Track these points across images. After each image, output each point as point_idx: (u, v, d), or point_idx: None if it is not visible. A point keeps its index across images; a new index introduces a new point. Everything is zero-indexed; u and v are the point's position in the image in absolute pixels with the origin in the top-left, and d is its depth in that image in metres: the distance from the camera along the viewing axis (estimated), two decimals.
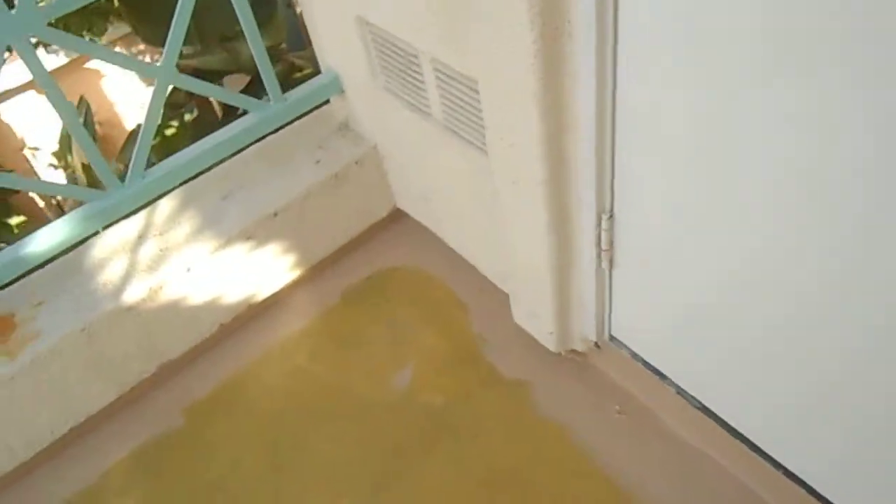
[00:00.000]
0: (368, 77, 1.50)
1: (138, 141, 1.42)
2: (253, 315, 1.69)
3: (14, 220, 3.24)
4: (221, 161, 1.61)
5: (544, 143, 1.06)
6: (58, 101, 1.29)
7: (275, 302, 1.71)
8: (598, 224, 1.17)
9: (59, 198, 5.71)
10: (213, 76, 3.22)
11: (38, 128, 5.56)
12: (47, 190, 1.41)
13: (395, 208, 1.81)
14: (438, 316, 1.64)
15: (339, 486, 1.41)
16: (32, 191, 1.42)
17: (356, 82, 1.58)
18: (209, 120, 3.97)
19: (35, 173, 5.46)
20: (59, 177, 5.32)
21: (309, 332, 1.66)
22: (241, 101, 1.51)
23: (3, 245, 3.00)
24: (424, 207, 1.72)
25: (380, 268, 1.75)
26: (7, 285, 1.49)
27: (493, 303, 1.60)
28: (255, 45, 1.44)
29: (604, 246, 1.19)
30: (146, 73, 1.34)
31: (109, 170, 1.42)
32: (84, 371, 1.50)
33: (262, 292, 1.68)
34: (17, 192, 3.84)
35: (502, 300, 1.57)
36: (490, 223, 1.42)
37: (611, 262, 1.23)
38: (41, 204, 5.74)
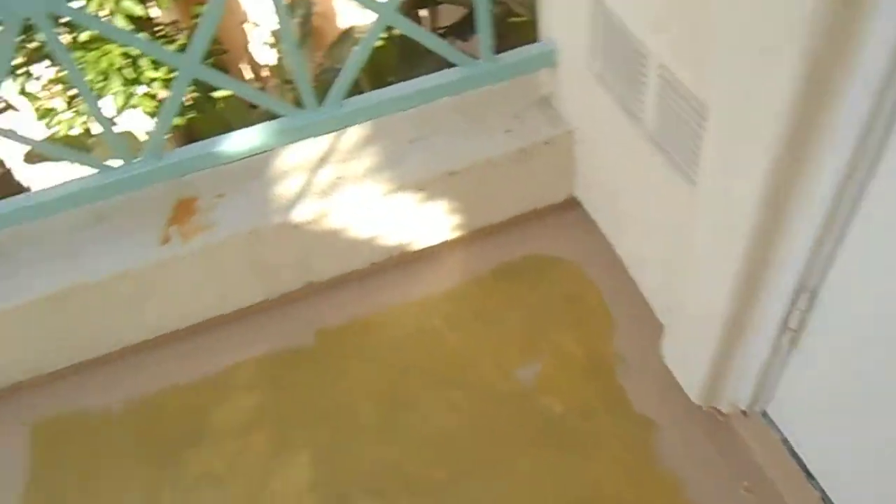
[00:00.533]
0: (586, 60, 1.40)
1: (344, 71, 1.42)
2: (404, 262, 1.70)
3: (219, 94, 3.48)
4: None
5: (765, 201, 0.93)
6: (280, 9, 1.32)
7: (428, 255, 1.71)
8: (794, 301, 1.03)
9: (265, 73, 6.08)
10: (431, 3, 3.21)
11: (262, 3, 5.85)
12: (250, 96, 1.46)
13: (572, 197, 1.73)
14: (583, 321, 1.57)
15: (437, 455, 1.41)
16: (235, 92, 1.47)
17: (572, 62, 1.48)
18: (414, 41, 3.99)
19: (248, 51, 5.81)
20: (272, 56, 5.65)
21: (452, 295, 1.65)
22: (452, 55, 1.47)
23: (204, 117, 3.25)
24: (604, 206, 1.62)
25: (539, 253, 1.68)
26: None
27: (644, 328, 1.50)
28: (481, 8, 1.38)
29: (792, 325, 1.05)
30: (369, 7, 1.32)
31: (311, 91, 1.44)
32: (242, 268, 1.59)
33: (419, 243, 1.68)
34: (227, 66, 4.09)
35: (654, 329, 1.46)
36: (671, 250, 1.31)
37: (793, 342, 1.09)
38: (248, 75, 6.14)
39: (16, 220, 1.49)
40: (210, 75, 1.40)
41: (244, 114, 3.50)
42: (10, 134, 1.41)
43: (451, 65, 1.53)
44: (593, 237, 1.67)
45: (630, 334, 1.52)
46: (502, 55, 1.52)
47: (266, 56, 6.04)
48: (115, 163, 1.48)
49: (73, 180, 1.52)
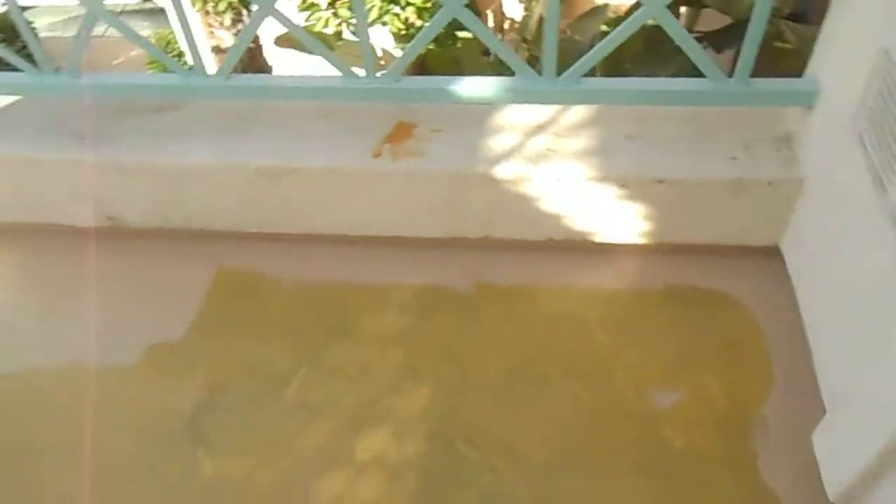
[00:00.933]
0: (850, 114, 1.29)
1: (594, 50, 1.42)
2: (581, 249, 1.70)
3: (461, 34, 3.60)
4: None
5: None
6: None
7: (606, 251, 1.69)
8: None
9: (506, 26, 6.17)
10: (696, 4, 3.06)
11: None
12: (499, 51, 1.50)
13: (775, 245, 1.62)
14: (740, 372, 1.49)
15: (543, 438, 1.42)
16: (487, 42, 1.51)
17: (832, 110, 1.38)
18: (664, 35, 3.84)
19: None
20: (518, 11, 5.71)
21: (615, 296, 1.64)
22: (706, 66, 1.41)
23: (440, 52, 3.37)
24: (806, 267, 1.51)
25: (718, 289, 1.61)
26: None
27: (803, 403, 1.40)
28: (755, 24, 1.31)
29: None
30: None
31: (554, 61, 1.46)
32: (434, 203, 1.67)
33: (601, 236, 1.67)
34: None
35: (814, 408, 1.36)
36: (865, 338, 1.21)
37: None
38: (491, 23, 6.25)
39: (262, 94, 1.67)
40: (468, 18, 1.46)
41: (477, 60, 3.59)
42: (279, 15, 1.55)
43: (695, 71, 1.48)
44: (782, 294, 1.56)
45: (785, 403, 1.43)
46: (757, 80, 1.44)
47: (512, 10, 6.11)
48: (359, 71, 1.60)
49: (318, 76, 1.67)
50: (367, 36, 1.53)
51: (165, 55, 1.64)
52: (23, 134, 1.80)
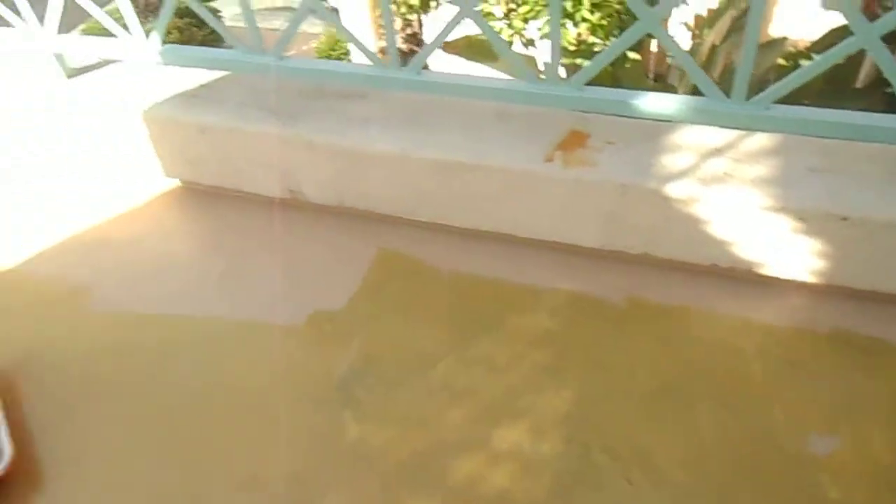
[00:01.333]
0: None
1: (786, 80, 1.40)
2: (745, 279, 1.66)
3: (632, 55, 3.60)
4: None
5: None
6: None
7: (772, 284, 1.64)
8: None
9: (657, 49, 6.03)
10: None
11: None
12: (684, 63, 1.49)
13: None
14: None
15: (682, 458, 1.39)
16: (680, 61, 1.51)
17: None
18: (849, 74, 3.62)
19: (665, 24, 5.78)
20: (685, 37, 5.58)
21: (776, 332, 1.58)
22: None
23: (611, 71, 3.37)
24: None
25: (893, 342, 1.52)
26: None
27: None
28: None
29: None
30: (852, 24, 1.27)
31: (745, 84, 1.44)
32: (597, 213, 1.69)
33: (769, 269, 1.62)
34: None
35: None
36: None
37: None
38: (655, 47, 6.15)
39: (450, 91, 1.76)
40: (661, 34, 1.48)
41: (641, 81, 3.57)
42: (478, 18, 1.62)
43: (884, 108, 1.41)
44: None
45: None
46: None
47: (678, 36, 5.97)
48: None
49: (504, 79, 1.74)
50: (559, 41, 1.58)
51: (366, 47, 1.78)
52: (227, 106, 2.01)
